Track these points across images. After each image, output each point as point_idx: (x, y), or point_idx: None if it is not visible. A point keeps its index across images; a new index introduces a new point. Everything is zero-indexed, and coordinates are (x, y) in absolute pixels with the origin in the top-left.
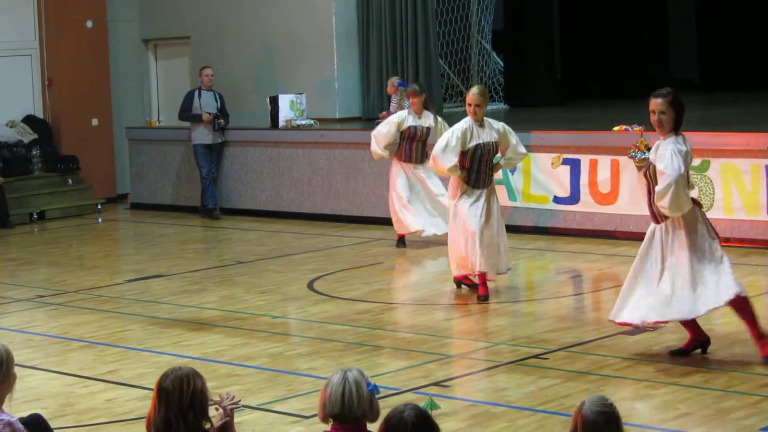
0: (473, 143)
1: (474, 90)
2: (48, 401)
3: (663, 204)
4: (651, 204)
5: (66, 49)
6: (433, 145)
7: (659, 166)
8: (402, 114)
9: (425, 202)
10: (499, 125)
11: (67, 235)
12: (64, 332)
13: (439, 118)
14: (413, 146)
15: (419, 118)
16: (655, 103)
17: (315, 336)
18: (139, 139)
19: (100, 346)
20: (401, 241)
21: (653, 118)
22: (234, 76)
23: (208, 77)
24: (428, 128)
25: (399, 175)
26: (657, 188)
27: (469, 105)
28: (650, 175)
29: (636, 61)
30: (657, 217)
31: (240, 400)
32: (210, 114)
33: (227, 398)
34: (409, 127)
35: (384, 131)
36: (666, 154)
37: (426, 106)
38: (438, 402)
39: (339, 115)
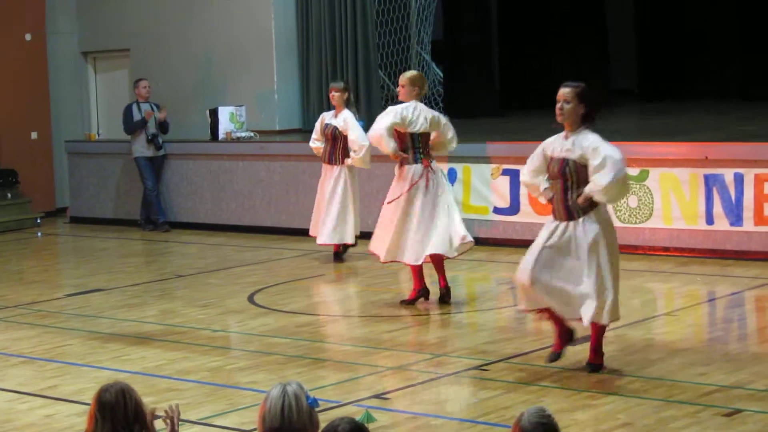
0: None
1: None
2: None
3: (614, 191)
4: (565, 200)
5: (4, 62)
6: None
7: (603, 153)
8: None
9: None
10: (435, 114)
11: (5, 249)
12: (3, 348)
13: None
14: (328, 146)
15: (335, 117)
16: (562, 93)
17: (255, 349)
18: (78, 152)
19: (40, 361)
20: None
21: (557, 107)
22: (174, 88)
23: (146, 89)
24: (334, 127)
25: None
26: (608, 176)
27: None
28: (570, 172)
29: (574, 71)
30: (572, 213)
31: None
32: (149, 134)
33: (173, 412)
34: (326, 125)
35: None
36: (598, 142)
37: (347, 105)
38: (378, 415)
39: (279, 126)
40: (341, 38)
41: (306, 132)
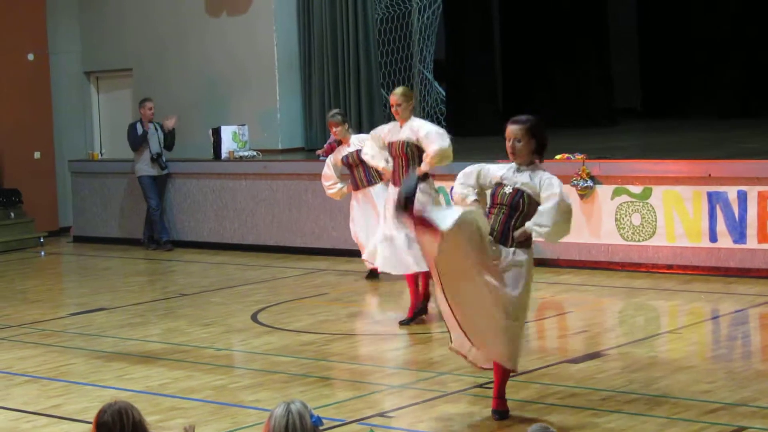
0: (387, 140)
1: (397, 90)
2: None
3: (559, 230)
4: (512, 228)
5: (7, 81)
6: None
7: (554, 191)
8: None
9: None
10: (416, 123)
11: (9, 268)
12: (8, 367)
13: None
14: (354, 172)
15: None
16: (511, 130)
17: (259, 368)
18: (81, 171)
19: (44, 380)
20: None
21: (508, 144)
22: (176, 107)
23: (150, 111)
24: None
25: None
26: (554, 215)
27: (392, 106)
28: (522, 202)
29: (578, 89)
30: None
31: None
32: (153, 153)
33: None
34: (342, 158)
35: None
36: (553, 180)
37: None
38: None
39: (281, 146)
40: (343, 57)
41: (309, 151)
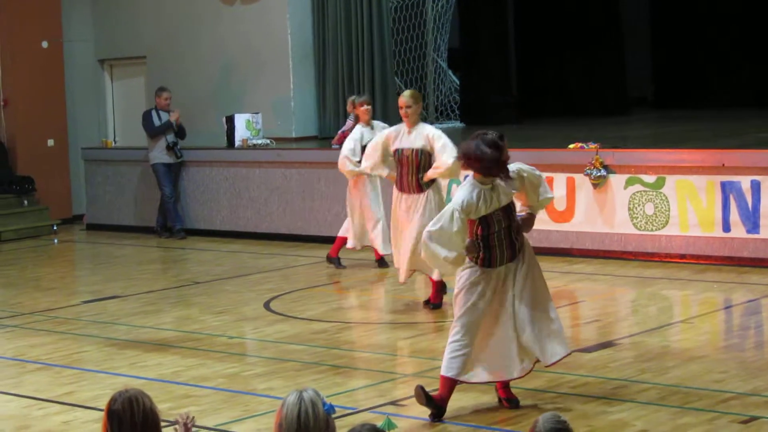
0: (395, 147)
1: (405, 93)
2: (4, 423)
3: None
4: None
5: (21, 69)
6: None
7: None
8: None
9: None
10: (430, 132)
11: (22, 256)
12: (20, 354)
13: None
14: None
15: (371, 130)
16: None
17: (271, 356)
18: (95, 159)
19: (56, 367)
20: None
21: None
22: (190, 95)
23: (167, 100)
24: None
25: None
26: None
27: (400, 108)
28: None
29: (591, 79)
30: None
31: (194, 418)
32: (170, 142)
33: (186, 419)
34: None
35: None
36: None
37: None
38: (395, 421)
39: (295, 134)
40: (357, 45)
41: (322, 139)
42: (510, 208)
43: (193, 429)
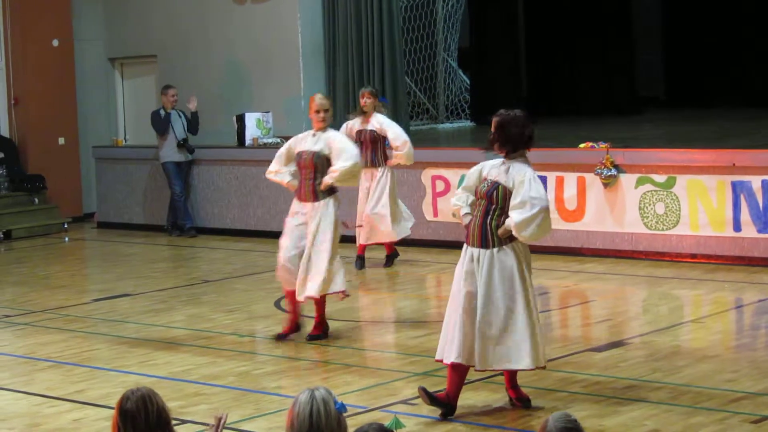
0: (297, 150)
1: (321, 95)
2: (14, 421)
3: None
4: (486, 224)
5: (32, 67)
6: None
7: (527, 192)
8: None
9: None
10: (332, 134)
11: (33, 254)
12: (31, 352)
13: (384, 118)
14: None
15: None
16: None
17: (282, 355)
18: (105, 158)
19: (67, 365)
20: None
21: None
22: (200, 94)
23: (173, 98)
24: (372, 131)
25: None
26: (522, 214)
27: (317, 111)
28: (497, 196)
29: (602, 78)
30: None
31: (226, 415)
32: (180, 139)
33: (221, 420)
34: (361, 131)
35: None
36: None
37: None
38: (405, 420)
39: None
40: (368, 45)
41: None
42: (498, 192)
43: (205, 428)
